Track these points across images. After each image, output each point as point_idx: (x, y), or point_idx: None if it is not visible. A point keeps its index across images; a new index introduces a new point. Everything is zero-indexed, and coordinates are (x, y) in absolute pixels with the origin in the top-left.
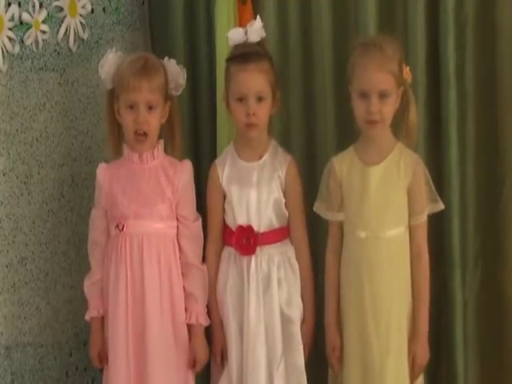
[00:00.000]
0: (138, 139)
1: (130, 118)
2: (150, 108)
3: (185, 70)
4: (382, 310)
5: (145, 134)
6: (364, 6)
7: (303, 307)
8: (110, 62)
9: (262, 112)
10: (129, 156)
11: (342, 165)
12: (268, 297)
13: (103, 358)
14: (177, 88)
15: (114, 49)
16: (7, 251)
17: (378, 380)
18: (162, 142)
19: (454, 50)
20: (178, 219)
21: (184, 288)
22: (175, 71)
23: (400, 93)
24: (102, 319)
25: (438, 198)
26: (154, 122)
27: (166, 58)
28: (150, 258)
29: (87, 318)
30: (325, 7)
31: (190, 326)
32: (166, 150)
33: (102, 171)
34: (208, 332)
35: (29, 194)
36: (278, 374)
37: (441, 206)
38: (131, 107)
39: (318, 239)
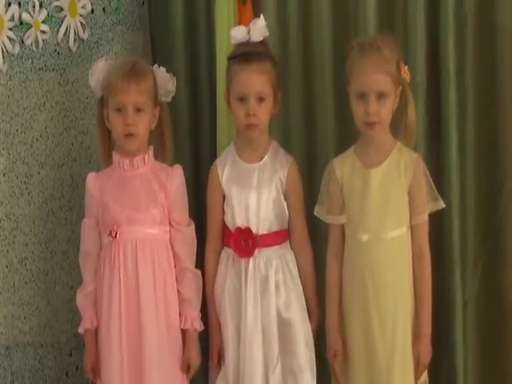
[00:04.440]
0: (127, 137)
1: (119, 121)
2: (139, 110)
3: (174, 78)
4: (387, 312)
5: (133, 135)
6: (364, 6)
7: (308, 308)
8: (99, 69)
9: (263, 113)
10: (119, 163)
11: (343, 167)
12: (265, 299)
13: (97, 370)
14: (166, 94)
15: (104, 57)
16: (7, 251)
17: (385, 382)
18: (152, 147)
19: (454, 49)
20: (170, 224)
21: (178, 292)
22: (164, 77)
23: (398, 93)
24: (96, 331)
25: (439, 197)
26: (142, 124)
27: (155, 66)
28: (145, 264)
29: (81, 330)
30: (325, 7)
31: (183, 331)
32: (156, 158)
33: (92, 180)
34: (205, 333)
35: (29, 194)
36: (274, 376)
37: (441, 205)
38: (119, 110)
39: (318, 242)
